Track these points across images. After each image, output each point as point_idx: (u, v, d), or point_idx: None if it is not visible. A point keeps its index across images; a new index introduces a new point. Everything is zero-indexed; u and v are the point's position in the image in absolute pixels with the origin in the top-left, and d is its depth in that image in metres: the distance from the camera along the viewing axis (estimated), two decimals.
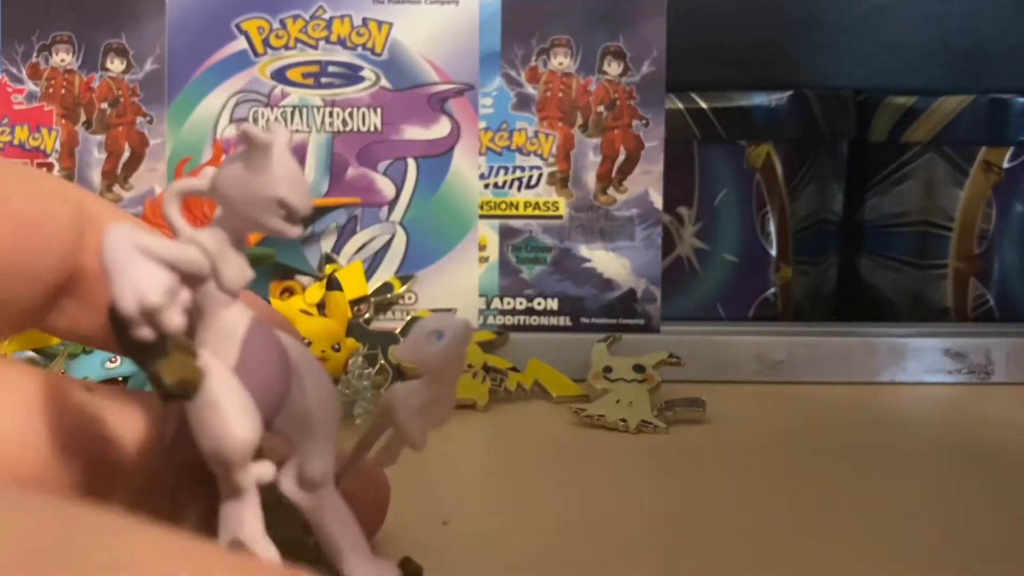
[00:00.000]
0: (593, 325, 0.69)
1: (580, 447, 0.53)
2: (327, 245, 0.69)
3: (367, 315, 0.66)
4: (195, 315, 0.22)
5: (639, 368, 0.62)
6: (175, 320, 0.20)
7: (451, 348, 0.27)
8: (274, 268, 0.65)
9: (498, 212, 0.69)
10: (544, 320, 0.69)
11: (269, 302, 0.57)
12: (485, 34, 0.69)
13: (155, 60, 0.69)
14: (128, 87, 0.69)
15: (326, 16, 0.69)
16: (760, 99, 0.79)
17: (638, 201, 0.69)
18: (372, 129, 0.69)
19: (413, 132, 0.69)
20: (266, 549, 0.23)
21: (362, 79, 0.69)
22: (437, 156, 0.69)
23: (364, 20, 0.69)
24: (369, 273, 0.68)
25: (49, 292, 0.24)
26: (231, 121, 0.69)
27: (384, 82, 0.69)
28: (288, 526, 0.25)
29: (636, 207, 0.69)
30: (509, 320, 0.68)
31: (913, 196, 0.82)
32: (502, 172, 0.68)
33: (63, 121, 0.69)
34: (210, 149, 0.68)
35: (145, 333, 0.19)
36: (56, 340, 0.49)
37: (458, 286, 0.68)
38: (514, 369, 0.62)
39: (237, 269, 0.23)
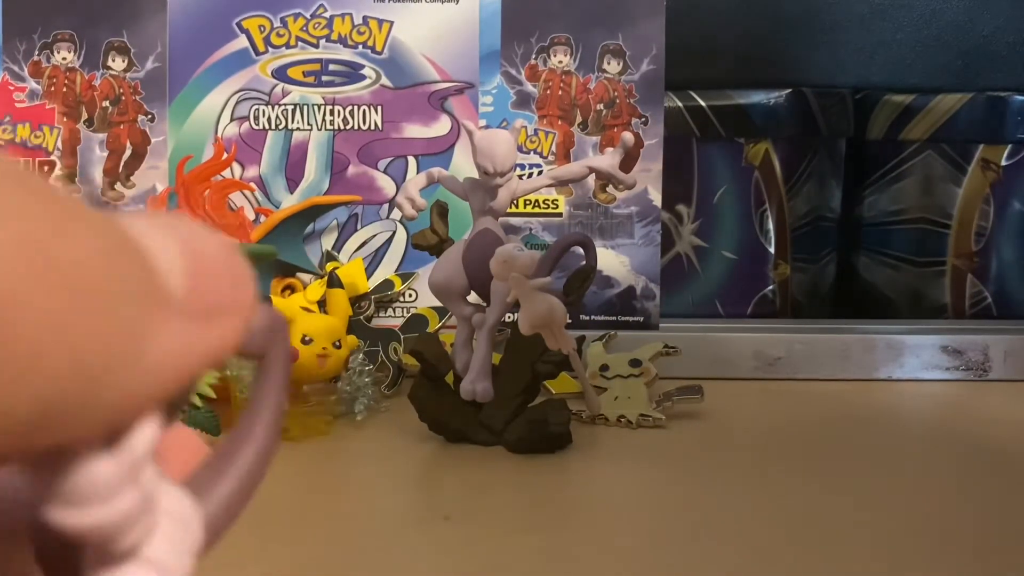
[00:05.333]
0: (593, 322, 0.69)
1: (581, 443, 0.53)
2: (328, 243, 0.69)
3: (368, 312, 0.66)
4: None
5: (635, 362, 0.62)
6: None
7: None
8: (276, 265, 0.65)
9: None
10: None
11: (270, 299, 0.57)
12: (485, 32, 0.69)
13: (156, 58, 0.69)
14: (129, 85, 0.69)
15: (327, 15, 0.69)
16: (759, 97, 0.79)
17: (637, 199, 0.69)
18: (373, 127, 0.69)
19: (413, 130, 0.69)
20: None
21: (363, 77, 0.69)
22: (437, 154, 0.69)
23: (365, 18, 0.69)
24: (370, 271, 0.69)
25: None
26: (232, 119, 0.69)
27: (385, 80, 0.69)
28: None
29: (635, 205, 0.69)
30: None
31: (911, 194, 0.82)
32: None
33: (65, 119, 0.69)
34: (211, 147, 0.68)
35: None
36: None
37: None
38: None
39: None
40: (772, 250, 0.80)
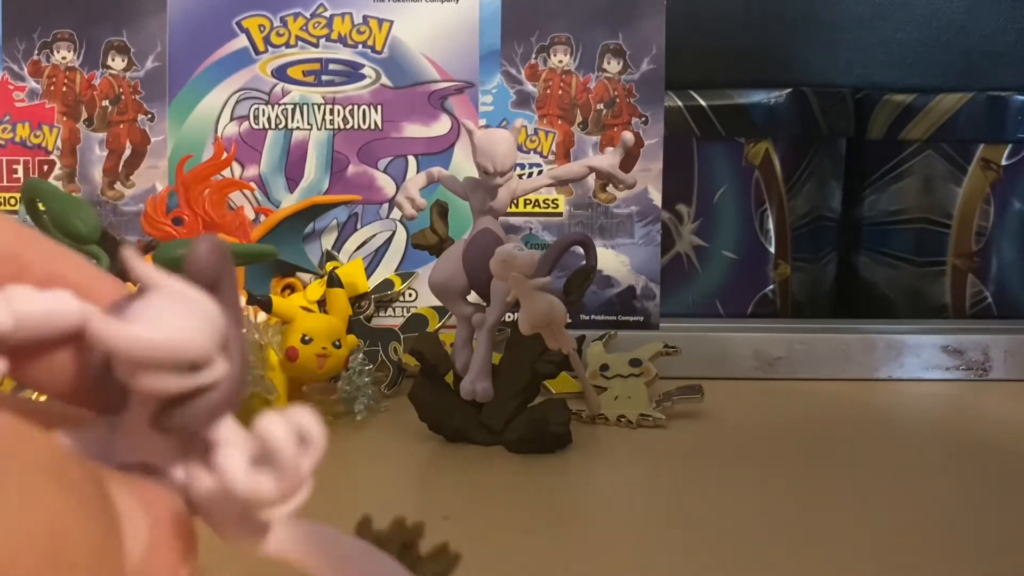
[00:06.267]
0: (593, 322, 0.69)
1: (581, 443, 0.53)
2: (328, 242, 0.69)
3: (368, 312, 0.66)
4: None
5: (635, 362, 0.62)
6: None
7: None
8: (276, 265, 0.65)
9: None
10: None
11: (271, 298, 0.57)
12: (485, 32, 0.69)
13: (156, 58, 0.69)
14: (129, 84, 0.69)
15: (327, 14, 0.69)
16: (759, 97, 0.79)
17: (637, 199, 0.69)
18: (373, 127, 0.69)
19: (413, 130, 0.69)
20: None
21: (363, 77, 0.69)
22: (437, 153, 0.69)
23: (364, 18, 0.69)
24: (370, 270, 0.69)
25: None
26: (232, 118, 0.69)
27: (384, 80, 0.69)
28: None
29: (635, 204, 0.69)
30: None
31: (911, 193, 0.82)
32: None
33: (64, 118, 0.69)
34: (211, 146, 0.68)
35: None
36: None
37: None
38: None
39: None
40: (772, 250, 0.80)
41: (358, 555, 0.23)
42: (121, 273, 0.67)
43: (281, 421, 0.18)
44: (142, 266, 0.18)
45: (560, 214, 0.69)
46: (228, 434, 0.19)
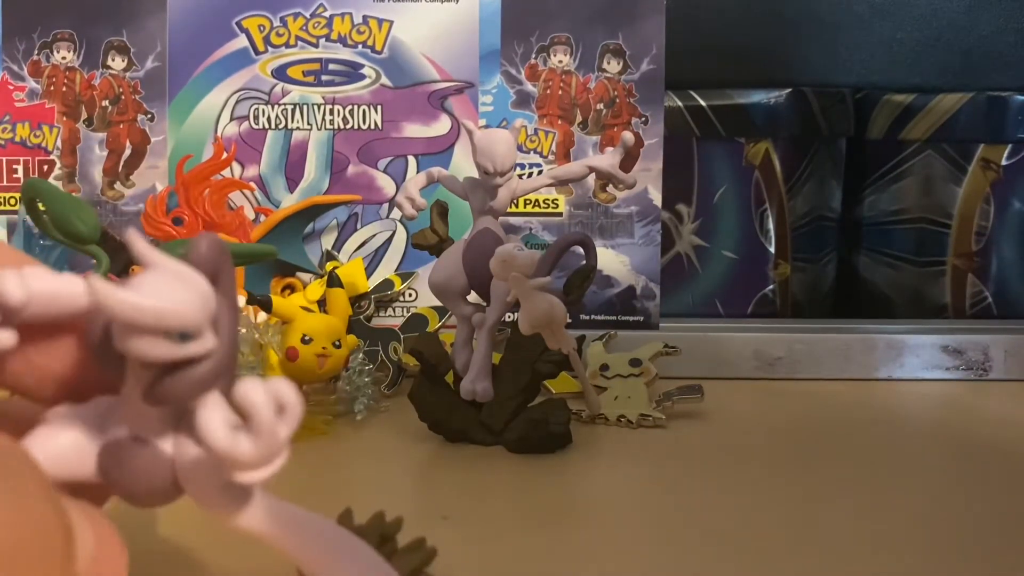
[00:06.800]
0: (593, 322, 0.69)
1: (581, 443, 0.53)
2: (328, 242, 0.69)
3: (368, 312, 0.66)
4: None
5: (635, 362, 0.62)
6: None
7: None
8: (276, 265, 0.65)
9: None
10: None
11: (271, 298, 0.57)
12: (485, 32, 0.69)
13: (156, 58, 0.69)
14: (129, 84, 0.69)
15: (327, 14, 0.69)
16: (759, 97, 0.79)
17: (637, 198, 0.69)
18: (372, 127, 0.69)
19: (413, 130, 0.69)
20: None
21: (363, 77, 0.69)
22: (437, 153, 0.69)
23: (364, 18, 0.69)
24: (370, 270, 0.69)
25: None
26: (232, 118, 0.69)
27: (384, 80, 0.69)
28: None
29: (635, 204, 0.69)
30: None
31: (911, 193, 0.82)
32: None
33: (64, 118, 0.69)
34: (211, 146, 0.68)
35: None
36: None
37: None
38: None
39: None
40: (772, 250, 0.80)
41: (331, 537, 0.24)
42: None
43: (260, 387, 0.20)
44: (143, 247, 0.20)
45: (560, 214, 0.69)
46: (212, 405, 0.20)
